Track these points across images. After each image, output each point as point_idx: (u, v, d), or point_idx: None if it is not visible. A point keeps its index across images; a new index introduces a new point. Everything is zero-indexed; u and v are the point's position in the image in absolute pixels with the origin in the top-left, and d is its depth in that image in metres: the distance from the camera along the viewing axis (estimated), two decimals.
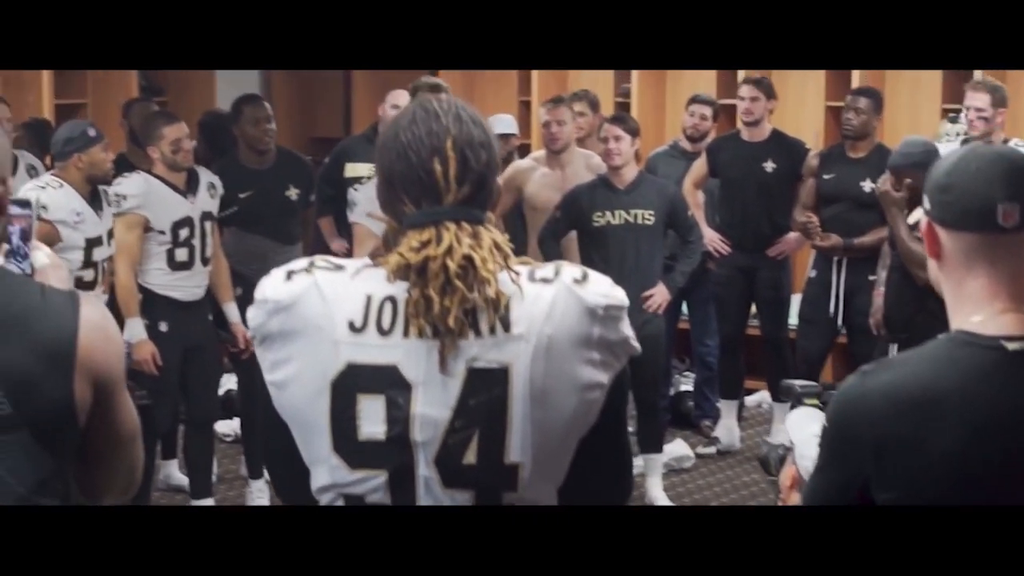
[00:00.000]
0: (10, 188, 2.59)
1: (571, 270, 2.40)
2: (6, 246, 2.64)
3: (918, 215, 2.29)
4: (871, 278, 7.44)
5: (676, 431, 8.79)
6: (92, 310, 2.53)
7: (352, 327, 2.35)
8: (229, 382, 8.42)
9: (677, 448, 8.42)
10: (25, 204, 2.69)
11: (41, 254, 2.70)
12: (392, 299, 2.35)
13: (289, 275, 2.40)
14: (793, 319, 8.48)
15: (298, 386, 2.37)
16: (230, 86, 11.08)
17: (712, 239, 8.35)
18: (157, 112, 7.30)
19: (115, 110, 9.88)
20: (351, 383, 2.33)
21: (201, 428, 7.13)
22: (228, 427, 8.62)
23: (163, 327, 6.76)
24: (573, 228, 7.40)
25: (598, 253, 7.31)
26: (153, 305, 6.76)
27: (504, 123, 9.03)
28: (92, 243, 6.49)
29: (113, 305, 6.72)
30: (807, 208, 8.08)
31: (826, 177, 7.95)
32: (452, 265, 2.32)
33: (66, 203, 6.40)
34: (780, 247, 8.34)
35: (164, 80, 11.01)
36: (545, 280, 2.39)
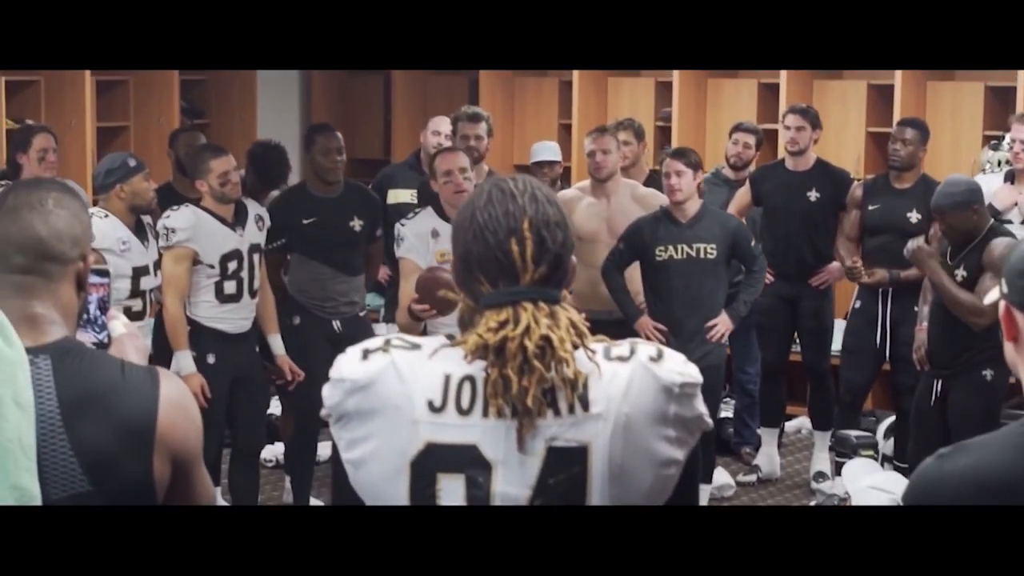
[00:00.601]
0: (90, 262, 2.63)
1: (646, 348, 2.43)
2: (84, 315, 2.67)
3: (995, 295, 2.25)
4: (916, 309, 7.46)
5: (717, 458, 8.79)
6: (171, 387, 2.56)
7: (431, 407, 2.37)
8: (271, 406, 8.45)
9: (718, 476, 8.42)
10: (103, 273, 2.72)
11: (118, 323, 2.73)
12: (471, 379, 2.37)
13: (365, 354, 2.42)
14: (836, 344, 8.48)
15: (376, 464, 2.39)
16: (271, 107, 11.16)
17: None
18: (204, 145, 7.30)
19: (156, 132, 9.98)
20: (431, 462, 2.36)
21: (247, 459, 7.17)
22: (270, 452, 8.63)
23: (211, 359, 6.80)
24: (636, 259, 7.40)
25: (661, 286, 7.32)
26: (201, 337, 6.80)
27: (549, 150, 9.06)
28: (139, 272, 6.55)
29: (161, 337, 6.77)
30: (850, 240, 8.09)
31: (871, 208, 7.96)
32: (530, 345, 2.34)
33: (112, 232, 6.45)
34: (823, 276, 8.34)
35: (205, 102, 11.07)
36: (621, 358, 2.41)
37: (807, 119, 8.30)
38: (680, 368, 2.42)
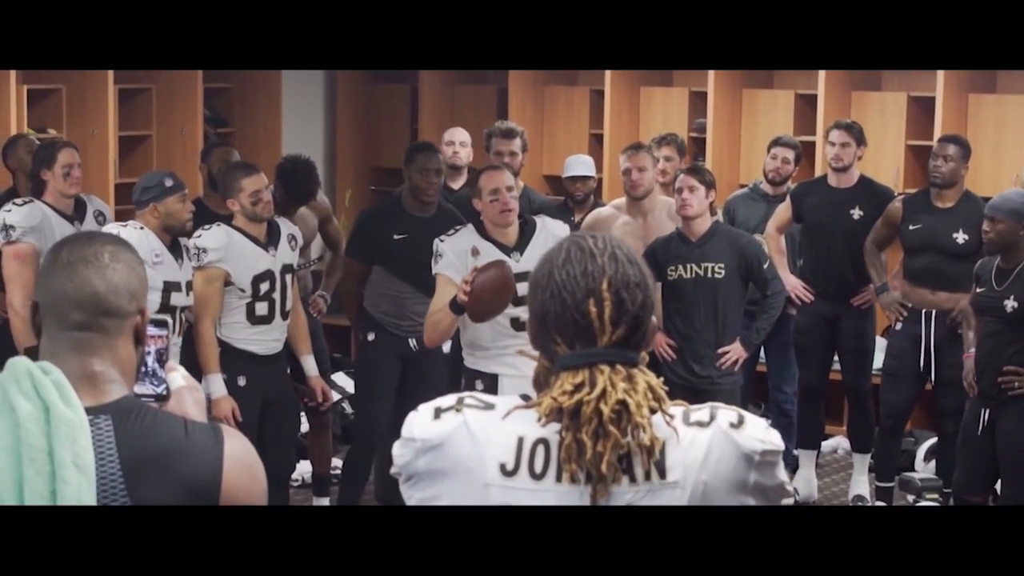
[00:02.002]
0: (147, 315, 2.61)
1: (727, 414, 2.42)
2: (142, 368, 2.66)
3: None
4: (960, 331, 7.42)
5: None
6: (236, 446, 2.55)
7: (504, 470, 2.37)
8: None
9: None
10: (161, 324, 2.71)
11: (177, 375, 2.72)
12: (544, 442, 2.37)
13: (437, 413, 2.43)
14: (877, 363, 8.44)
15: None
16: (296, 115, 11.14)
17: (795, 286, 8.30)
18: (235, 164, 7.27)
19: (180, 142, 9.99)
20: None
21: (276, 483, 7.08)
22: (296, 471, 8.50)
23: (241, 381, 6.81)
24: (657, 281, 7.38)
25: (674, 306, 7.36)
26: (231, 359, 6.80)
27: (583, 164, 8.98)
28: (170, 287, 6.53)
29: (190, 357, 6.76)
30: (878, 246, 8.04)
31: (912, 228, 7.88)
32: (606, 410, 2.33)
33: (146, 243, 6.46)
34: (865, 296, 8.28)
35: (229, 111, 11.05)
36: (700, 424, 2.40)
37: (852, 135, 8.25)
38: (761, 435, 2.42)
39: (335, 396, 8.32)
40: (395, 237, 7.34)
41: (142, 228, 6.51)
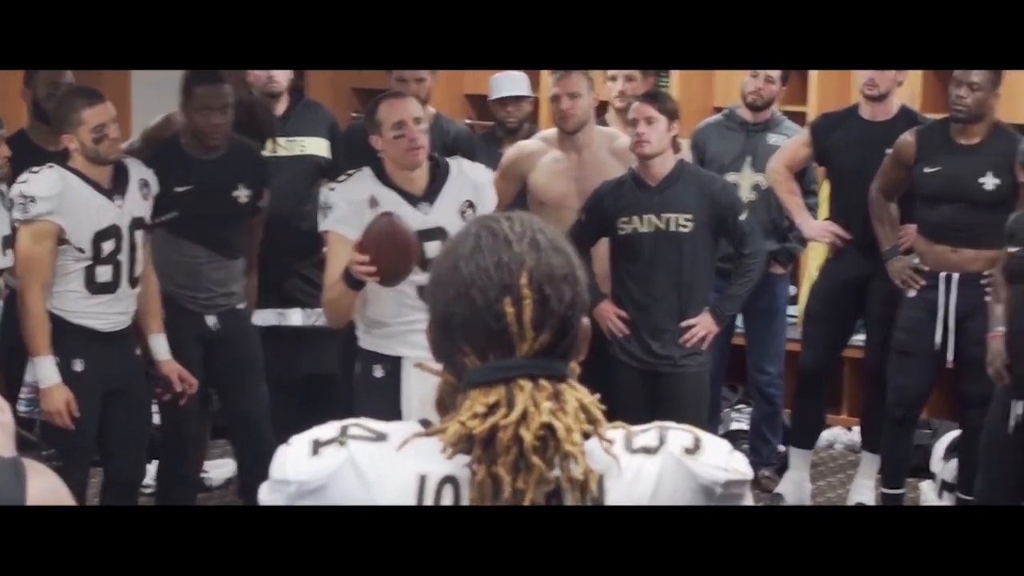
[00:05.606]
0: None
1: (679, 436, 2.43)
2: None
3: None
4: (988, 299, 7.40)
5: None
6: (42, 487, 2.53)
7: None
8: None
9: None
10: None
11: None
12: (453, 480, 2.38)
13: (315, 447, 2.42)
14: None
15: None
16: (146, 83, 10.90)
17: (823, 230, 8.38)
18: (74, 89, 7.15)
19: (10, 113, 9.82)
20: None
21: (123, 491, 7.09)
22: (148, 475, 8.41)
23: (78, 366, 6.74)
24: (602, 235, 7.37)
25: (627, 267, 7.30)
26: (65, 338, 6.73)
27: (514, 82, 8.86)
28: None
29: (13, 335, 6.71)
30: (886, 195, 8.02)
31: (928, 171, 7.81)
32: (528, 436, 2.34)
33: None
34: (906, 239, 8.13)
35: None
36: (647, 450, 2.42)
37: None
38: (724, 462, 2.44)
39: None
40: (177, 190, 7.21)
41: None
